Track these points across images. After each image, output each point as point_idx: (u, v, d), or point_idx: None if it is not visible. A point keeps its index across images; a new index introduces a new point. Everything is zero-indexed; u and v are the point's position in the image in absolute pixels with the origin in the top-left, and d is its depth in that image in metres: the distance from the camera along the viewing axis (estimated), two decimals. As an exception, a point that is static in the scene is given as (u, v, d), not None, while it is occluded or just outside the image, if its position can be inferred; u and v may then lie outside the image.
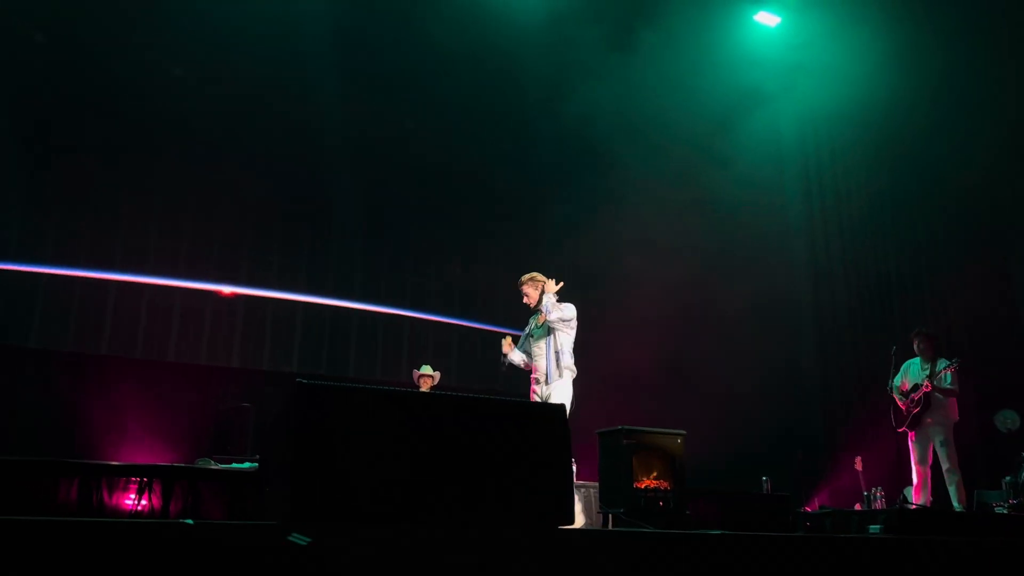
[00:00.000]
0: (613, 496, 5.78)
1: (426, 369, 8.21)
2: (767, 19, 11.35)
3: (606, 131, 10.43)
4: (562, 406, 3.91)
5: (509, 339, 6.27)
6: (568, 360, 6.02)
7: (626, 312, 10.13)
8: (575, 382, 6.07)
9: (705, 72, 10.81)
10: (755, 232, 11.24)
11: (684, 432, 5.96)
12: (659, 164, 10.59)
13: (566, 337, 6.06)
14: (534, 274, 6.22)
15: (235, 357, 9.33)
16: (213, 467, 6.39)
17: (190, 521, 2.79)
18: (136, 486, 5.82)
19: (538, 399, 5.97)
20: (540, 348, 6.08)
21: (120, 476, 5.83)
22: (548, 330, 6.06)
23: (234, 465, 6.50)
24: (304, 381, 3.27)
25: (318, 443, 3.10)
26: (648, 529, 4.69)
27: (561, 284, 6.11)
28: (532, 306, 6.22)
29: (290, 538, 2.71)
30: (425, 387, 8.13)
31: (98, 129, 8.87)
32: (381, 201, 10.45)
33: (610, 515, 5.76)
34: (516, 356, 6.26)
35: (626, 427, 5.72)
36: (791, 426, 10.79)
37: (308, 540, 2.71)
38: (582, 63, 10.35)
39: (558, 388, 5.92)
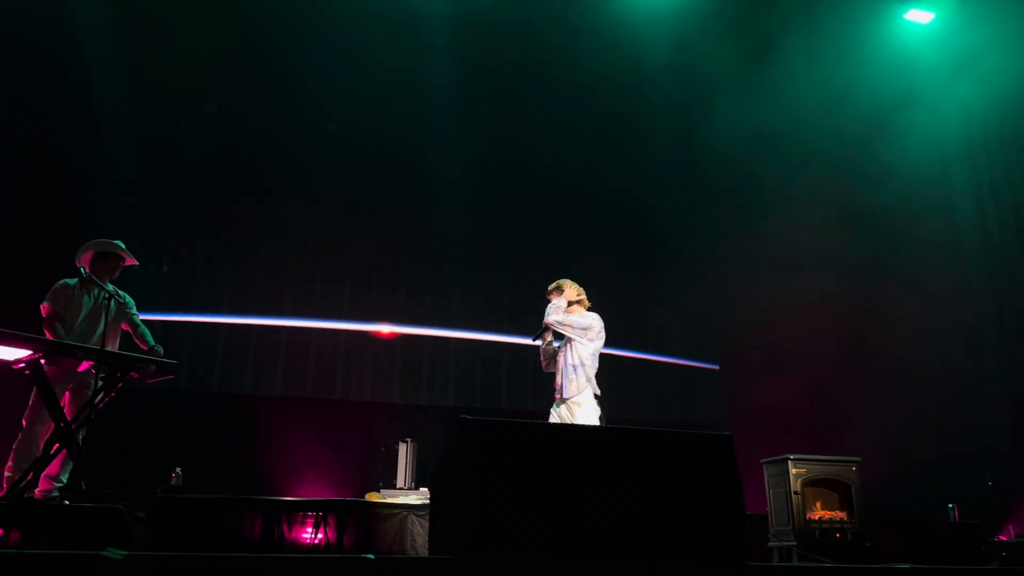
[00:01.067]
0: (784, 529, 5.53)
1: (579, 400, 8.18)
2: (919, 16, 10.70)
3: (746, 147, 10.06)
4: (728, 436, 3.77)
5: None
6: (584, 375, 5.41)
7: (779, 335, 9.75)
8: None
9: (854, 78, 10.28)
10: (919, 245, 10.46)
11: (859, 459, 5.65)
12: (805, 178, 10.13)
13: (584, 349, 5.47)
14: (560, 281, 5.76)
15: (396, 393, 9.70)
16: (382, 501, 6.65)
17: (371, 556, 2.90)
18: (312, 520, 6.16)
19: (555, 416, 5.46)
20: (558, 360, 5.59)
21: (298, 511, 6.18)
22: (564, 340, 5.56)
23: (401, 499, 6.74)
24: (469, 417, 3.33)
25: (489, 478, 3.15)
26: (827, 564, 4.45)
27: (572, 294, 5.66)
28: None
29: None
30: (578, 418, 8.08)
31: (266, 188, 9.54)
32: (525, 236, 10.59)
33: (781, 549, 5.51)
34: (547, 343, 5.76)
35: (795, 455, 5.48)
36: (978, 449, 9.91)
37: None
38: (718, 79, 10.09)
39: (575, 405, 5.35)
